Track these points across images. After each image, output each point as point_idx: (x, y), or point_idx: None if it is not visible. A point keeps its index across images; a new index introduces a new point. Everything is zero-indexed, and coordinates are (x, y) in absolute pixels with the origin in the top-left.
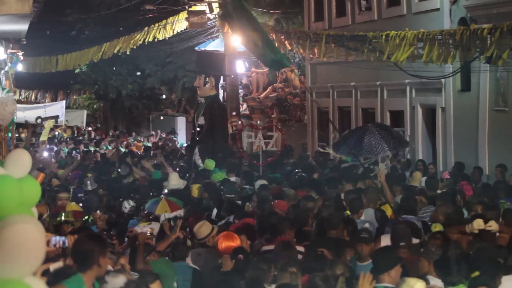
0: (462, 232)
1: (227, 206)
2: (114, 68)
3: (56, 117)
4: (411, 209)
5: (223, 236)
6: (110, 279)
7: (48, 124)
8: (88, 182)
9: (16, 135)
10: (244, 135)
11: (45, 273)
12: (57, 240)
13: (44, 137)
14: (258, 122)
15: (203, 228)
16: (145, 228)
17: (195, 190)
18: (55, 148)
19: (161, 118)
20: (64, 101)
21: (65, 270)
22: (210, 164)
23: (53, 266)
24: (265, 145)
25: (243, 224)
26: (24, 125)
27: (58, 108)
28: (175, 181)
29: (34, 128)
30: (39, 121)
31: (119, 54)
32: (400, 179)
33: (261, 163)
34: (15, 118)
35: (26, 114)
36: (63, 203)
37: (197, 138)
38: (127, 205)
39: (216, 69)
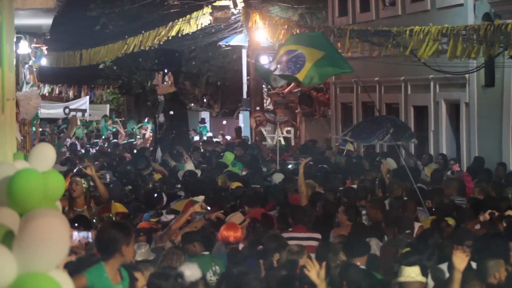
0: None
1: (253, 196)
2: (139, 61)
3: (83, 111)
4: None
5: (225, 226)
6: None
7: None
8: (108, 176)
9: (40, 129)
10: (263, 130)
11: (67, 265)
12: (80, 235)
13: (71, 132)
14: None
15: (234, 218)
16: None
17: (220, 179)
18: (76, 143)
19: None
20: (87, 97)
21: (88, 259)
22: (230, 157)
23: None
24: (284, 140)
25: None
26: (48, 120)
27: (82, 104)
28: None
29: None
30: (66, 111)
31: (144, 49)
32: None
33: (278, 157)
34: (39, 112)
35: (51, 111)
36: (78, 188)
37: (158, 136)
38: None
39: (173, 65)
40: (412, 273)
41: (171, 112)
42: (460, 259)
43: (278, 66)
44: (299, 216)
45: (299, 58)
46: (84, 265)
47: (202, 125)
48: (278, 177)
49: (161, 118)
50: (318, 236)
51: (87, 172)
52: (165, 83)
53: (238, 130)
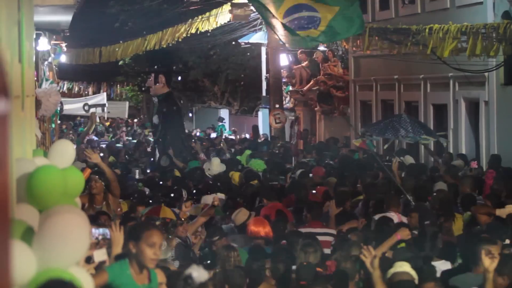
0: (489, 213)
1: (271, 190)
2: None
3: (103, 106)
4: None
5: (253, 221)
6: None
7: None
8: (137, 172)
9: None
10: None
11: (88, 260)
12: (99, 232)
13: (90, 130)
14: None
15: (240, 215)
16: None
17: (236, 177)
18: (95, 139)
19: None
20: (105, 93)
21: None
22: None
23: (96, 253)
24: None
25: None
26: (67, 117)
27: (100, 99)
28: (217, 166)
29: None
30: (86, 107)
31: (163, 46)
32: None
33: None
34: (58, 109)
35: (68, 107)
36: (98, 185)
37: (154, 138)
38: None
39: (165, 67)
40: (403, 265)
41: (165, 114)
42: (489, 261)
43: (291, 22)
44: (316, 212)
45: (313, 17)
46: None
47: (220, 123)
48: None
49: (155, 119)
50: (334, 231)
51: (92, 160)
52: (158, 84)
53: (255, 128)
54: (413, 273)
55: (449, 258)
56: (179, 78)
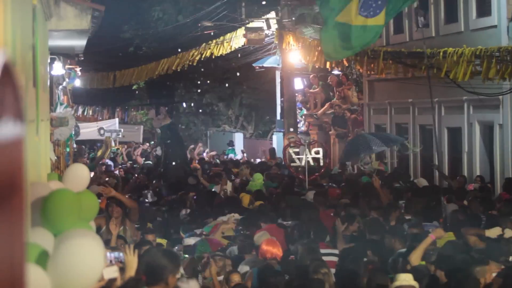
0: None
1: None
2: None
3: (117, 131)
4: None
5: (266, 241)
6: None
7: (109, 143)
8: (149, 195)
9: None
10: (291, 151)
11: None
12: (114, 255)
13: (106, 154)
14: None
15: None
16: None
17: (245, 199)
18: (109, 163)
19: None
20: (117, 119)
21: (134, 282)
22: (258, 178)
23: (106, 270)
24: (312, 161)
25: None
26: (81, 142)
27: (112, 124)
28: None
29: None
30: (101, 132)
31: (177, 70)
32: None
33: (307, 177)
34: (73, 133)
35: (84, 131)
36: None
37: (160, 169)
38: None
39: (166, 97)
40: (406, 277)
41: (166, 146)
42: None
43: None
44: (321, 233)
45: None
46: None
47: (230, 147)
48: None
49: (158, 151)
50: (337, 252)
51: (109, 195)
52: (159, 116)
53: (272, 151)
54: (415, 283)
55: None
56: (192, 104)
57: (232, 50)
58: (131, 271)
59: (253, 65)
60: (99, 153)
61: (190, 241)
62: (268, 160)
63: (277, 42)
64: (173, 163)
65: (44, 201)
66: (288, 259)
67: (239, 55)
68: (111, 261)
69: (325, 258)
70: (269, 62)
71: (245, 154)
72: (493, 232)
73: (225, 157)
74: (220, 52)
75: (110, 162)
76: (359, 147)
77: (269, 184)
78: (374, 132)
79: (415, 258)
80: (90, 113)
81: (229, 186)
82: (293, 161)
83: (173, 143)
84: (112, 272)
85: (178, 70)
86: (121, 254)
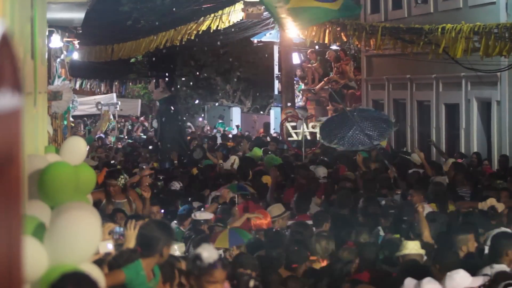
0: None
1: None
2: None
3: (115, 104)
4: None
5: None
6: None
7: (106, 116)
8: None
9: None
10: (288, 125)
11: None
12: (121, 232)
13: (103, 127)
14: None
15: (275, 209)
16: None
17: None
18: (103, 136)
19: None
20: (114, 94)
21: (129, 253)
22: (258, 152)
23: (101, 244)
24: (309, 135)
25: None
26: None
27: (111, 99)
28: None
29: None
30: (99, 106)
31: (174, 44)
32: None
33: (303, 152)
34: (70, 106)
35: (81, 106)
36: (116, 188)
37: (155, 141)
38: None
39: (165, 70)
40: (415, 246)
41: (163, 119)
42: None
43: None
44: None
45: None
46: (124, 260)
47: (220, 121)
48: (322, 171)
49: (155, 123)
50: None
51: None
52: (157, 89)
53: (267, 125)
54: (422, 251)
55: None
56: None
57: (231, 24)
58: (130, 245)
59: (252, 39)
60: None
61: (203, 215)
62: (261, 134)
63: None
64: (169, 137)
65: (41, 174)
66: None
67: (237, 29)
68: (118, 237)
69: None
70: (268, 37)
71: (239, 129)
72: (485, 205)
73: (214, 130)
74: (219, 26)
75: (103, 136)
76: (355, 138)
77: (274, 159)
78: (369, 109)
79: (426, 234)
80: (88, 87)
81: (236, 161)
82: (290, 136)
83: (170, 116)
84: (107, 246)
85: (176, 44)
86: (121, 228)
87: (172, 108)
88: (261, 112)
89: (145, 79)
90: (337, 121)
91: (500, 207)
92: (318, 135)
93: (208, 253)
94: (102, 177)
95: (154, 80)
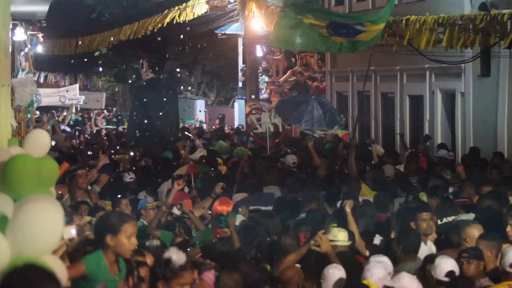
0: None
1: None
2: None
3: (80, 98)
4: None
5: (219, 201)
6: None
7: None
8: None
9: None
10: (253, 118)
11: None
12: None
13: (66, 120)
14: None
15: (239, 197)
16: None
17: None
18: (67, 129)
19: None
20: (77, 85)
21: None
22: (223, 145)
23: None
24: (272, 127)
25: None
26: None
27: (74, 92)
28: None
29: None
30: (62, 99)
31: (139, 37)
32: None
33: (268, 143)
34: (34, 99)
35: (45, 99)
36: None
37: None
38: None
39: (155, 52)
40: (340, 233)
41: (145, 100)
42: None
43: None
44: None
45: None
46: (84, 251)
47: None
48: (291, 158)
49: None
50: None
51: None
52: (142, 70)
53: (222, 118)
54: (348, 243)
55: None
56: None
57: (195, 16)
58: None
59: (216, 32)
60: (60, 119)
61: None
62: (217, 125)
63: (239, 9)
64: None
65: (4, 167)
66: None
67: (200, 22)
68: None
69: None
70: (232, 29)
71: (202, 123)
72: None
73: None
74: (183, 19)
75: (68, 129)
76: (303, 115)
77: (242, 151)
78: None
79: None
80: (53, 80)
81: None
82: (255, 128)
83: (152, 102)
84: (70, 232)
85: (140, 37)
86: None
87: (153, 92)
88: (227, 106)
89: (110, 72)
90: (294, 100)
91: None
92: (279, 127)
93: (177, 256)
94: (63, 170)
95: (139, 63)
